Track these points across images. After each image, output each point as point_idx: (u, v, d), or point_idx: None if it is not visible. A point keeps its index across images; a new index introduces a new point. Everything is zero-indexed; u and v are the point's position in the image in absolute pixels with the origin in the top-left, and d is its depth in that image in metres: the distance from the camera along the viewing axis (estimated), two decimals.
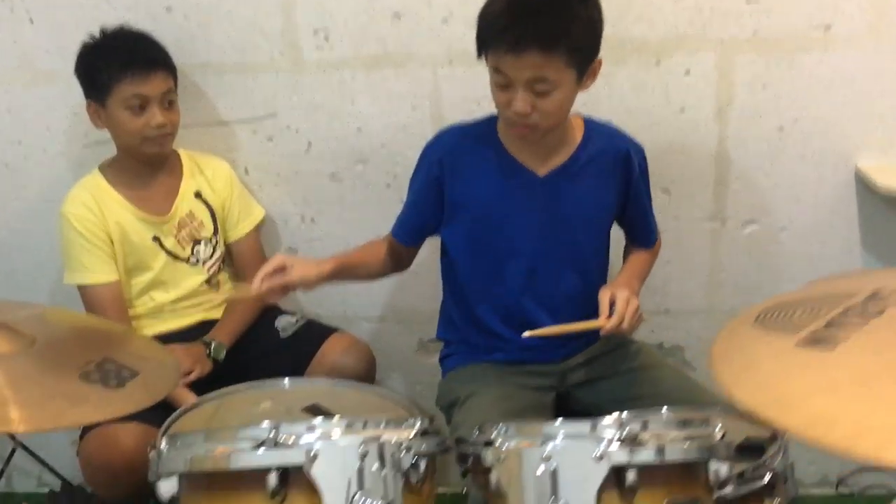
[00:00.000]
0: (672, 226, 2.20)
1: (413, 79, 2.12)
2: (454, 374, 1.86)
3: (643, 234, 1.90)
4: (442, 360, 1.95)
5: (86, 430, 1.86)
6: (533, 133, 1.66)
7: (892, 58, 2.02)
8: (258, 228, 2.20)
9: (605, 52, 1.91)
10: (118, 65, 1.92)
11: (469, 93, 2.11)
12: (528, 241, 1.76)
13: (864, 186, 2.12)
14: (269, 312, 2.14)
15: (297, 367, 2.01)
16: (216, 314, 2.11)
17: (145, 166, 2.04)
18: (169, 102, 1.98)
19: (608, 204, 1.79)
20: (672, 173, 2.16)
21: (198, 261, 2.09)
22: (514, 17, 1.56)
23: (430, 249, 2.01)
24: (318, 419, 1.16)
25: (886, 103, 2.06)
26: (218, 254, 2.12)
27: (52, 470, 2.34)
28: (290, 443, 1.13)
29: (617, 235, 1.94)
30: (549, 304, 1.77)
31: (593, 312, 1.69)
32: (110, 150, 2.14)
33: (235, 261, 2.17)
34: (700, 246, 2.22)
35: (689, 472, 1.18)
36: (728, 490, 1.18)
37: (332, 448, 1.12)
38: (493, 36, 1.60)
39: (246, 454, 1.14)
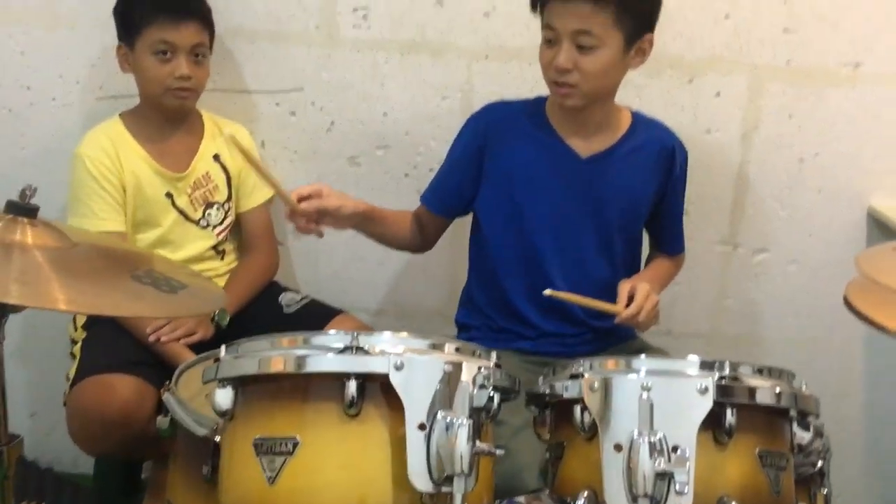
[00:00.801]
0: (686, 246, 2.20)
1: (447, 69, 2.11)
2: None
3: (671, 240, 1.90)
4: None
5: (77, 378, 1.74)
6: (572, 96, 1.65)
7: None
8: (270, 202, 2.12)
9: (640, 66, 1.94)
10: (153, 7, 1.87)
11: (502, 90, 2.10)
12: (562, 221, 1.75)
13: (876, 226, 2.16)
14: (272, 288, 2.07)
15: None
16: (220, 283, 2.02)
17: (166, 120, 1.97)
18: (198, 56, 1.92)
19: (646, 196, 1.80)
20: (692, 193, 2.16)
21: (208, 224, 2.01)
22: None
23: (439, 247, 1.98)
24: (400, 334, 1.10)
25: None
26: (229, 220, 2.04)
27: None
28: (374, 351, 1.06)
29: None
30: (580, 290, 1.74)
31: None
32: (124, 106, 2.07)
33: (244, 232, 2.10)
34: (710, 269, 2.23)
35: (775, 428, 1.15)
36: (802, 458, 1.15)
37: (417, 361, 1.05)
38: None
39: (326, 357, 1.06)
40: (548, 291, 1.57)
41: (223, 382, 1.11)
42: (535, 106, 1.79)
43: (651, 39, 1.68)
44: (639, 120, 1.81)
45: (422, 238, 1.88)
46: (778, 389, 1.13)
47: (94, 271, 1.14)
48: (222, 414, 1.12)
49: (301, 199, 1.58)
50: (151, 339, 1.79)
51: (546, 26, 1.64)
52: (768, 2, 2.03)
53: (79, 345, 1.86)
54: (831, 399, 2.32)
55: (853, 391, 2.31)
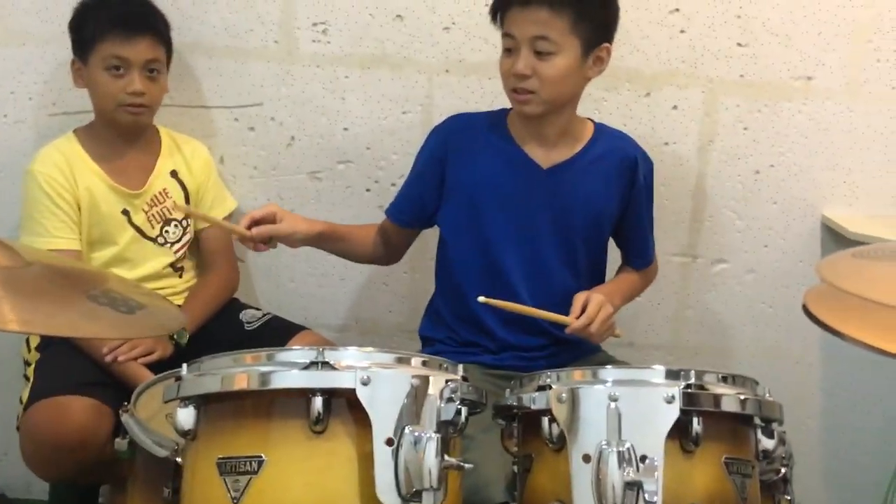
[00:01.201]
0: None
1: (407, 83, 2.11)
2: None
3: (637, 251, 1.90)
4: None
5: (31, 401, 1.70)
6: (530, 103, 1.67)
7: (863, 115, 2.14)
8: (229, 219, 2.10)
9: (598, 80, 1.97)
10: (106, 21, 1.84)
11: (462, 104, 2.11)
12: (525, 232, 1.76)
13: (829, 235, 2.20)
14: (233, 305, 2.04)
15: None
16: (178, 301, 1.99)
17: (120, 136, 1.94)
18: (153, 72, 1.88)
19: (609, 206, 1.80)
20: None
21: (165, 241, 1.98)
22: None
23: (401, 262, 1.99)
24: (366, 348, 1.09)
25: (854, 157, 2.17)
26: (187, 238, 2.01)
27: None
28: (340, 366, 1.05)
29: (613, 256, 1.95)
30: (544, 301, 1.75)
31: None
32: (78, 123, 2.04)
33: (202, 249, 2.07)
34: (670, 281, 2.25)
35: (741, 435, 1.16)
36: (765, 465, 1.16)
37: (383, 375, 1.04)
38: None
39: (290, 374, 1.05)
40: (481, 298, 1.56)
41: (185, 401, 1.09)
42: (497, 117, 1.81)
43: (609, 49, 1.70)
44: (601, 131, 1.82)
45: (387, 251, 1.87)
46: (743, 397, 1.15)
47: (48, 291, 1.11)
48: (185, 434, 1.09)
49: (253, 223, 1.57)
50: (108, 359, 1.75)
51: (505, 34, 1.67)
52: (722, 17, 2.07)
53: (32, 367, 1.81)
54: (790, 406, 2.30)
55: (811, 398, 2.34)
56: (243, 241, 1.63)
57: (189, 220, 2.02)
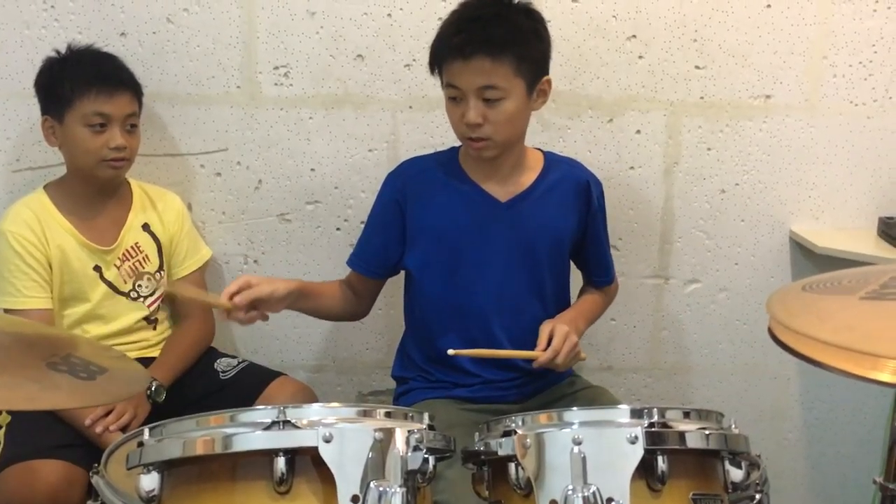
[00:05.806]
0: (619, 282, 2.22)
1: (372, 121, 2.12)
2: (415, 407, 1.79)
3: (599, 271, 1.91)
4: (397, 398, 1.89)
5: (2, 465, 1.68)
6: (488, 148, 1.68)
7: (823, 129, 2.16)
8: (204, 268, 2.09)
9: (562, 108, 1.99)
10: (84, 79, 1.84)
11: (427, 138, 2.12)
12: (493, 266, 1.76)
13: (798, 250, 2.22)
14: (208, 355, 2.04)
15: None
16: (153, 353, 1.98)
17: (94, 192, 1.93)
18: (131, 126, 1.89)
19: (568, 230, 1.81)
20: (621, 229, 2.21)
21: (139, 296, 1.97)
22: (463, 27, 1.64)
23: (378, 299, 1.97)
24: (330, 404, 1.09)
25: (818, 172, 2.19)
26: (160, 291, 2.00)
27: None
28: (302, 424, 1.05)
29: (575, 277, 1.96)
30: (515, 333, 1.76)
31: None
32: (43, 178, 2.03)
33: (177, 300, 2.05)
34: (644, 303, 2.26)
35: (708, 469, 1.16)
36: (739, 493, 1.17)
37: (347, 431, 1.04)
38: (444, 47, 1.66)
39: (252, 435, 1.04)
40: (451, 351, 1.58)
41: (148, 467, 1.08)
42: (449, 156, 1.82)
43: (549, 80, 1.71)
44: (551, 159, 1.83)
45: (357, 302, 1.87)
46: (707, 431, 1.15)
47: (5, 361, 1.10)
48: (149, 500, 1.09)
49: (232, 296, 1.57)
50: (98, 429, 1.73)
51: (448, 85, 1.66)
52: (679, 41, 2.09)
53: (3, 430, 1.79)
54: (770, 421, 2.37)
55: (791, 412, 2.35)
56: (231, 316, 1.61)
57: (162, 273, 2.01)
